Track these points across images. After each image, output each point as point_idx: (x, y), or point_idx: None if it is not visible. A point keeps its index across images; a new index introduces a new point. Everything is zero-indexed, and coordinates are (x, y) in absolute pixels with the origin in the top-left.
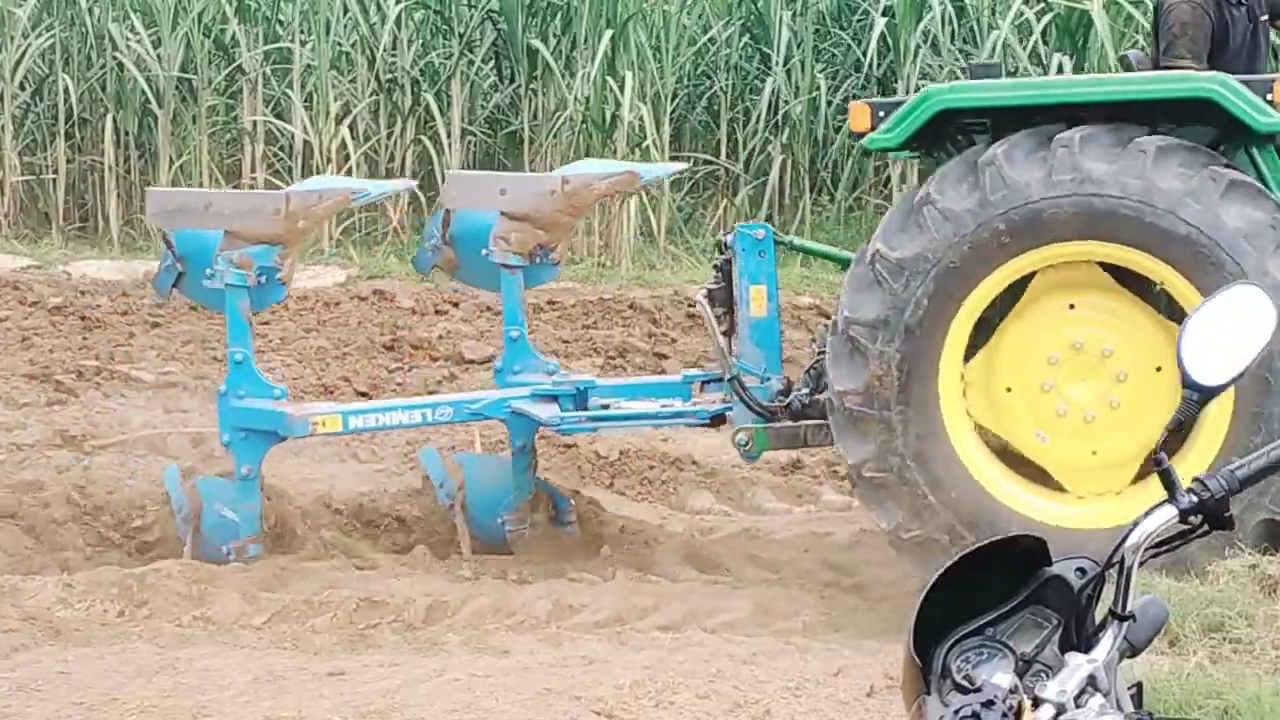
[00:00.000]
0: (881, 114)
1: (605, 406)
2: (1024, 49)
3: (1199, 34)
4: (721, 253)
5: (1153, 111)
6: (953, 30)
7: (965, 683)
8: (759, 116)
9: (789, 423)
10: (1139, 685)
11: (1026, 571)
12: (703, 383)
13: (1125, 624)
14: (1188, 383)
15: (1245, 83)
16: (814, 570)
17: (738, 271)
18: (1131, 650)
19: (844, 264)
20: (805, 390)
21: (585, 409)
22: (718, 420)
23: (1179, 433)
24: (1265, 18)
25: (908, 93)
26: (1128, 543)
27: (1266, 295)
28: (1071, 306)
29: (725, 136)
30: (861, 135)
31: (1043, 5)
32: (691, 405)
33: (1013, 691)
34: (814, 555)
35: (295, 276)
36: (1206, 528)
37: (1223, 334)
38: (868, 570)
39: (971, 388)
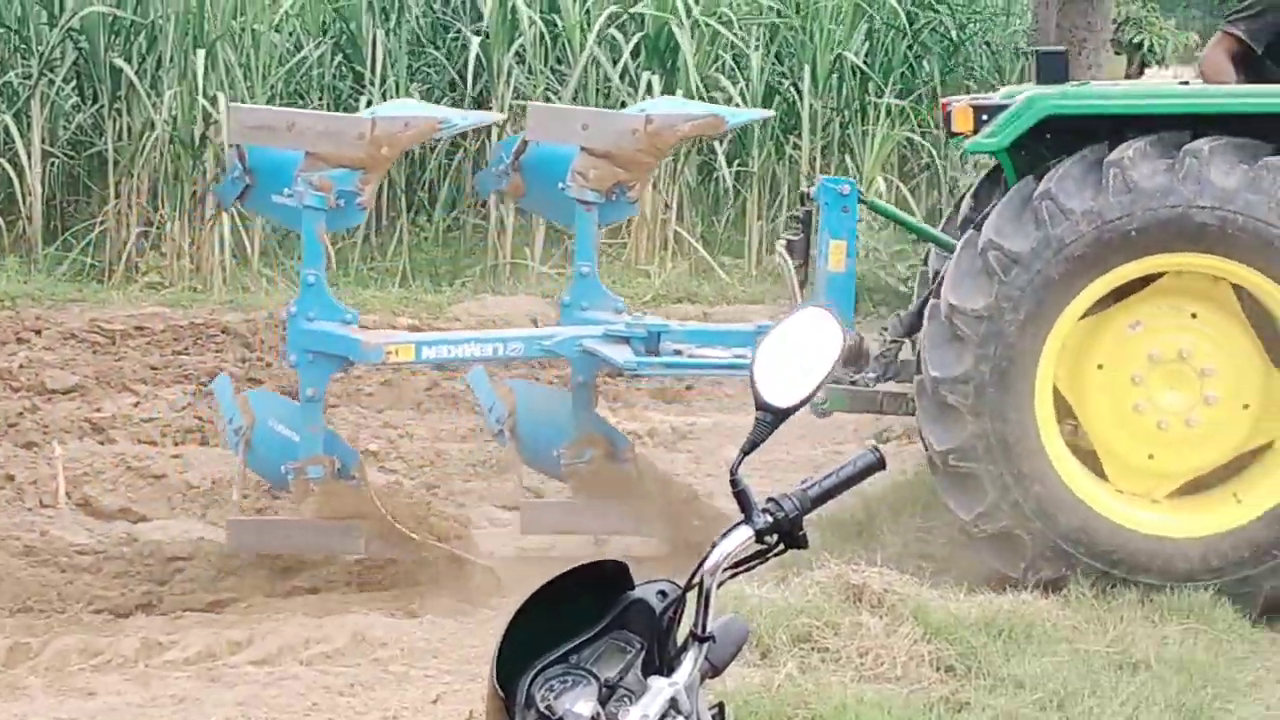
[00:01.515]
0: (984, 117)
1: (678, 353)
2: (615, 68)
3: (1268, 15)
4: (804, 204)
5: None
6: (545, 50)
7: (547, 713)
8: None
9: (866, 388)
10: (720, 705)
11: (610, 596)
12: None
13: (706, 645)
14: (760, 404)
15: None
16: (414, 597)
17: (819, 224)
18: (713, 670)
19: (921, 235)
20: (873, 375)
21: (657, 353)
22: None
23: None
24: None
25: (502, 111)
26: (706, 564)
27: (834, 319)
28: (1194, 316)
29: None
30: (962, 136)
31: (628, 19)
32: None
33: (594, 719)
34: None
35: None
36: (782, 546)
37: (794, 356)
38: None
39: (1066, 350)
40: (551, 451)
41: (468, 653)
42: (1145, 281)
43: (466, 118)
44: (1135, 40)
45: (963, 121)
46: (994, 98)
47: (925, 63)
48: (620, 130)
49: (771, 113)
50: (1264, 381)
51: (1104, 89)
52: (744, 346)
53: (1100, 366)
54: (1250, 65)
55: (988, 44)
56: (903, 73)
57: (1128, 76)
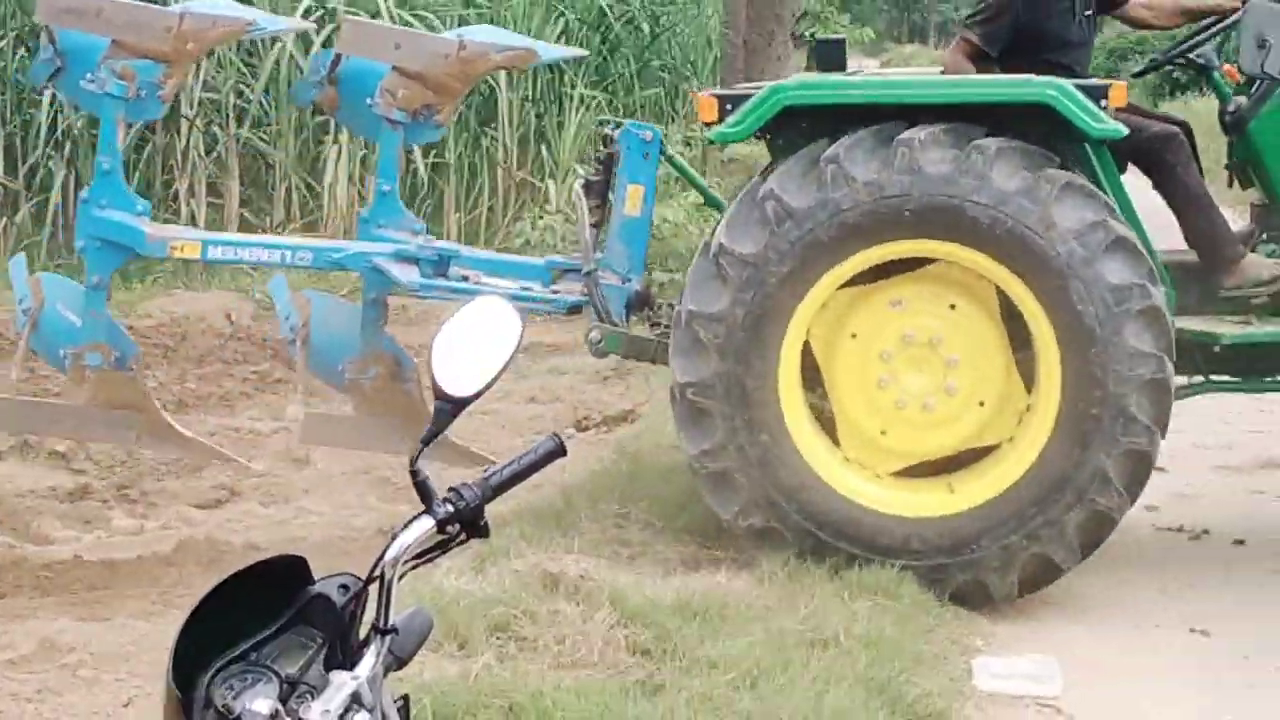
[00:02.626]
0: (729, 107)
1: (465, 278)
2: (306, 59)
3: (1001, 22)
4: (605, 146)
5: (990, 114)
6: (237, 42)
7: (226, 712)
8: (39, 130)
9: (643, 335)
10: (405, 697)
11: (290, 592)
12: (563, 270)
13: (388, 637)
14: (439, 394)
15: (1081, 88)
16: (106, 600)
17: (619, 168)
18: (398, 662)
19: (712, 203)
20: (651, 324)
21: (445, 277)
22: (574, 311)
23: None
24: (1089, 12)
25: (192, 106)
26: (386, 557)
27: (511, 308)
28: (953, 306)
29: (3, 153)
30: (710, 126)
31: (323, 14)
32: (550, 293)
33: (274, 717)
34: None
35: None
36: (465, 536)
37: (472, 345)
38: (165, 593)
39: (827, 313)
40: (337, 365)
41: (160, 655)
42: (921, 263)
43: (277, 22)
44: (813, 34)
45: (707, 112)
46: (739, 89)
47: (619, 54)
48: (433, 52)
49: (586, 53)
50: (1003, 384)
51: (844, 81)
52: (534, 280)
53: (854, 336)
54: (985, 68)
55: (677, 35)
56: (596, 64)
57: (808, 69)
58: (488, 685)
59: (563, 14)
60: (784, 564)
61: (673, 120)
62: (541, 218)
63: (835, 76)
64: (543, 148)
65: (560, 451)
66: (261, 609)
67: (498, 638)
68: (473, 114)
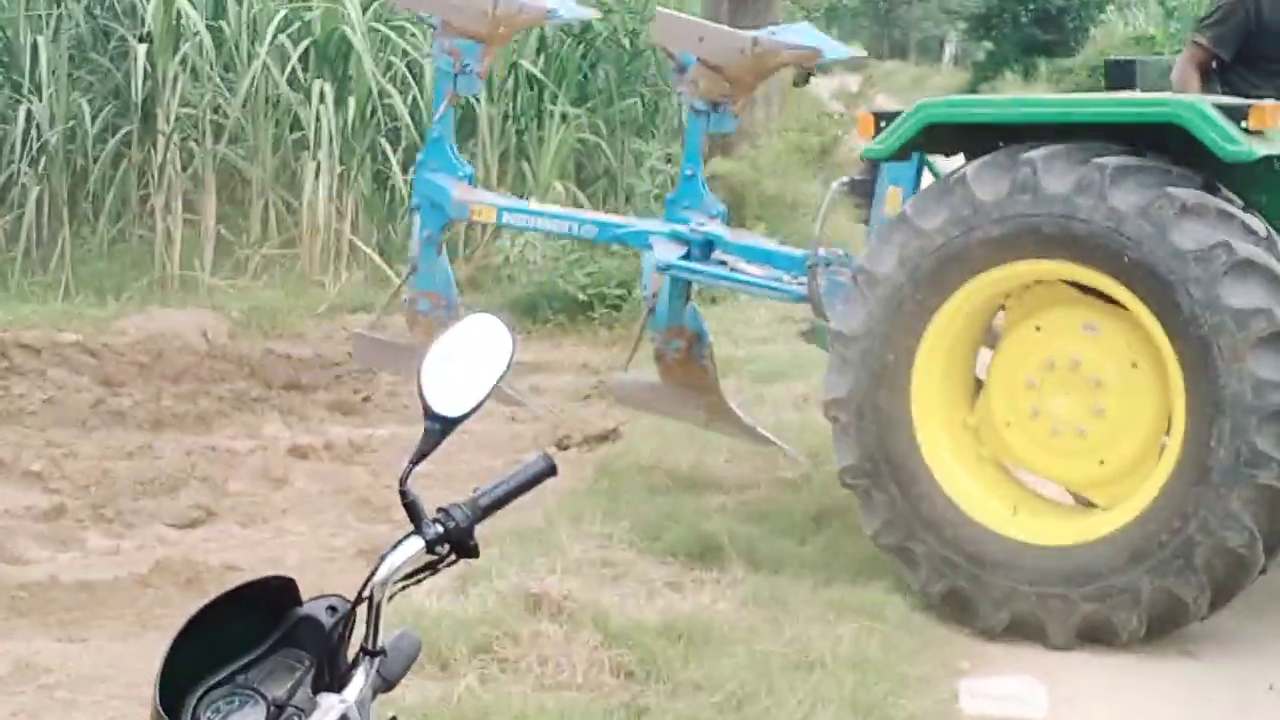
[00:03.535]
0: (883, 124)
1: (723, 263)
2: (283, 74)
3: (1230, 23)
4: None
5: (1133, 133)
6: (212, 58)
7: None
8: (13, 145)
9: None
10: (393, 718)
11: (277, 613)
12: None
13: (377, 659)
14: (429, 414)
15: (1221, 107)
16: (83, 621)
17: (881, 170)
18: (386, 684)
19: None
20: None
21: (708, 260)
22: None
23: None
24: None
25: (169, 121)
26: (376, 578)
27: (503, 324)
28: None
29: None
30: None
31: (300, 27)
32: (793, 283)
33: None
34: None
35: None
36: (454, 557)
37: (462, 364)
38: (142, 614)
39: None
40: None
41: (136, 677)
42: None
43: (574, 10)
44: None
45: (865, 128)
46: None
47: (600, 70)
48: (730, 47)
49: (864, 53)
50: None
51: (986, 99)
52: (787, 270)
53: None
54: (1220, 74)
55: (656, 50)
56: (577, 80)
57: (795, 84)
58: (470, 707)
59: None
60: (769, 585)
61: (652, 136)
62: (522, 234)
63: (978, 95)
64: (524, 164)
65: (551, 471)
66: (249, 630)
67: (480, 659)
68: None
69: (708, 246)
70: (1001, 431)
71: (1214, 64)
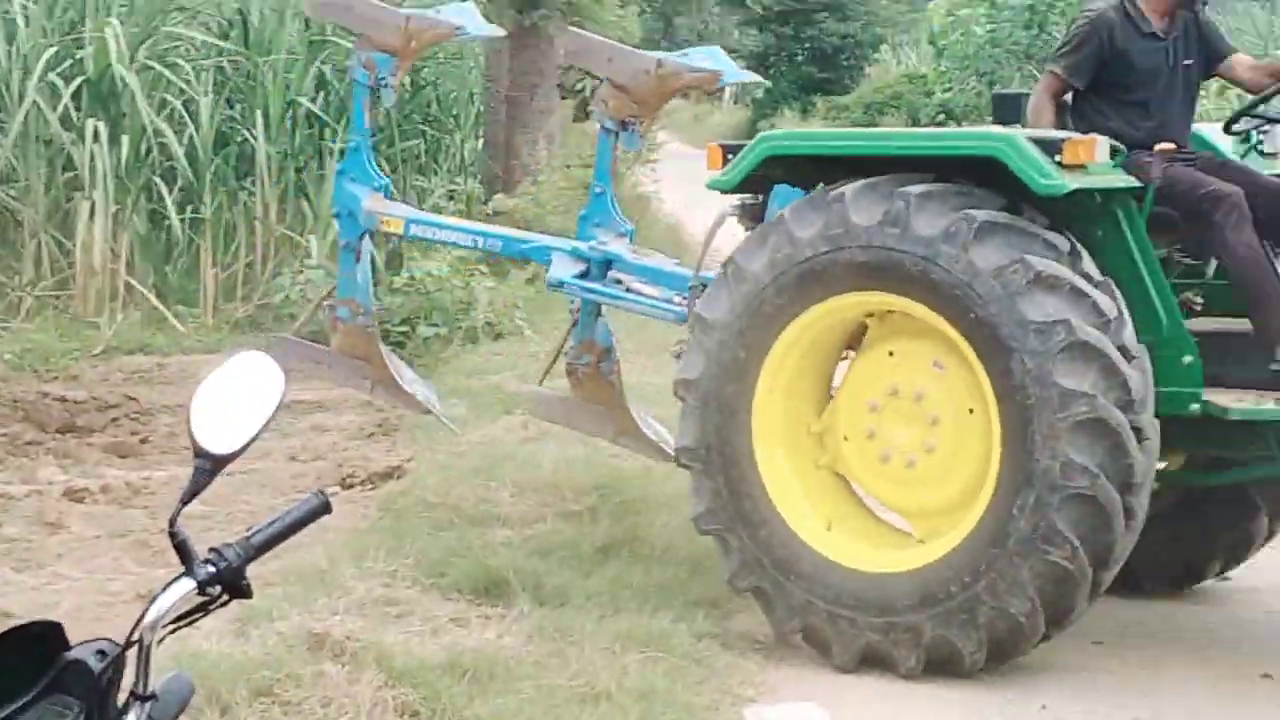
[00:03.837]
0: (729, 156)
1: (619, 282)
2: (55, 113)
3: (1084, 51)
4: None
5: (963, 166)
6: None
7: None
8: None
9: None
10: None
11: (45, 659)
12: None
13: (148, 704)
14: (199, 452)
15: (1037, 141)
16: None
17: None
18: None
19: None
20: None
21: (604, 278)
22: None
23: None
24: (1189, 62)
25: None
26: (144, 620)
27: (273, 362)
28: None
29: None
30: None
31: (72, 65)
32: (681, 304)
33: None
34: None
35: None
36: (226, 597)
37: (232, 401)
38: None
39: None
40: None
41: None
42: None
43: (481, 29)
44: (578, 86)
45: (713, 160)
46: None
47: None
48: (636, 69)
49: (764, 82)
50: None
51: (818, 133)
52: (679, 290)
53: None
54: (1074, 104)
55: (437, 88)
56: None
57: (575, 120)
58: None
59: (322, 63)
60: (555, 618)
61: (435, 173)
62: (302, 272)
63: (819, 129)
64: (303, 202)
65: (325, 509)
66: (15, 677)
67: (261, 702)
68: (230, 169)
69: (606, 265)
70: (840, 443)
71: (1069, 94)
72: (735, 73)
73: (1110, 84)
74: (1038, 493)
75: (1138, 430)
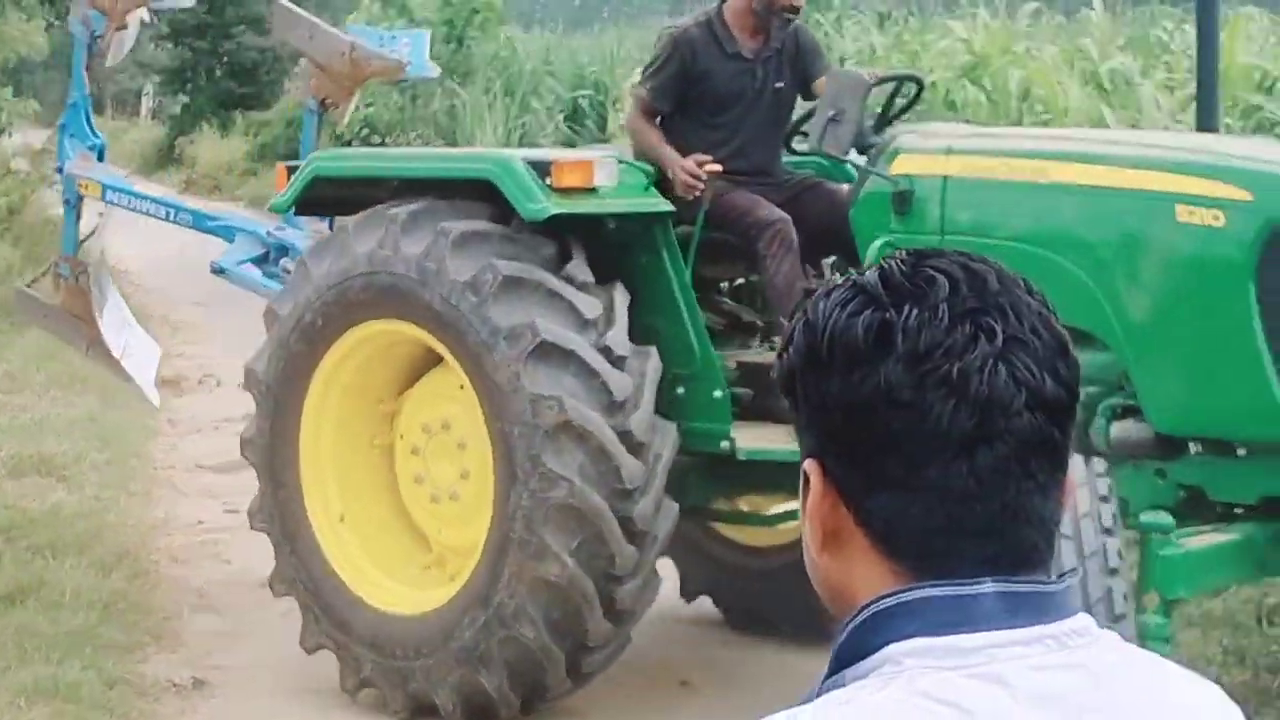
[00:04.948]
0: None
1: (288, 271)
2: None
3: (666, 71)
4: None
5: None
6: None
7: None
8: None
9: None
10: None
11: None
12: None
13: None
14: None
15: (534, 164)
16: None
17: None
18: None
19: None
20: None
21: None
22: None
23: None
24: (780, 85)
25: None
26: None
27: None
28: (462, 387)
29: None
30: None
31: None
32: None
33: None
34: None
35: None
36: None
37: None
38: None
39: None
40: None
41: None
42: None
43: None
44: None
45: (280, 180)
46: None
47: None
48: (332, 50)
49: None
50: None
51: (358, 152)
52: None
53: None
54: (665, 126)
55: None
56: None
57: None
58: None
59: None
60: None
61: None
62: None
63: (363, 150)
64: None
65: None
66: None
67: None
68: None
69: (281, 252)
70: (410, 489)
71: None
72: (424, 68)
73: (694, 104)
74: (525, 507)
75: (625, 434)
